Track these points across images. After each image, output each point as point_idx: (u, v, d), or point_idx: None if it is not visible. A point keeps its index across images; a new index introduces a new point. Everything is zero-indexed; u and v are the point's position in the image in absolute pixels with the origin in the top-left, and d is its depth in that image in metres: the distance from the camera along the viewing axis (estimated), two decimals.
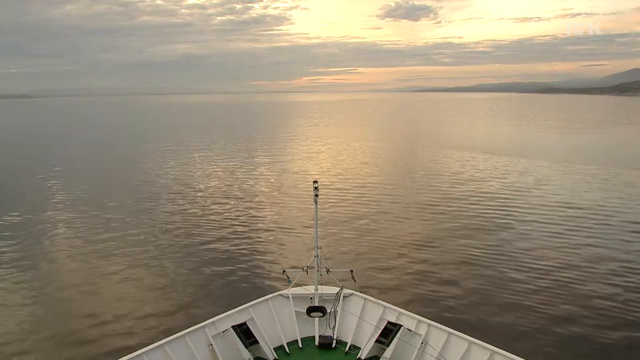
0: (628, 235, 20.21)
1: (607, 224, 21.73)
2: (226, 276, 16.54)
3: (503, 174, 34.90)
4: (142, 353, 8.16)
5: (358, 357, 8.94)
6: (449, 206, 25.53)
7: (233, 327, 9.18)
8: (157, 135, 72.77)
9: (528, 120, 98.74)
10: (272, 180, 34.31)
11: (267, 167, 40.20)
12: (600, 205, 25.01)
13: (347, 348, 9.25)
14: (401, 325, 9.08)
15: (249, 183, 33.17)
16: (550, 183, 31.50)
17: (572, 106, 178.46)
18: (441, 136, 65.27)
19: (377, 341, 9.03)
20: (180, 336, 8.79)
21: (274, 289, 13.01)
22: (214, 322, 9.30)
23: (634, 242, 19.26)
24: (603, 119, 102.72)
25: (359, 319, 9.68)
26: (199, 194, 29.83)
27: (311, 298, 10.28)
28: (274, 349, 9.14)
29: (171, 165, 41.45)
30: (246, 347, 8.94)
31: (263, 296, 10.60)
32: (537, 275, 16.03)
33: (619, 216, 23.01)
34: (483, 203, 26.09)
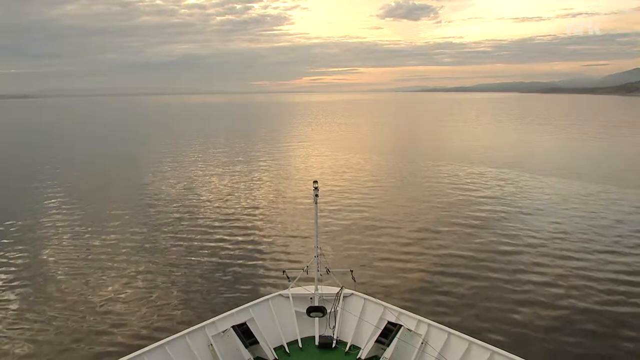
0: None
1: None
2: (226, 276, 16.54)
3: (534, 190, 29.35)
4: (142, 353, 8.17)
5: (358, 357, 8.94)
6: (451, 207, 25.53)
7: (233, 327, 9.18)
8: (156, 137, 72.75)
9: (563, 124, 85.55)
10: (272, 181, 34.31)
11: (267, 168, 40.21)
12: None
13: (347, 348, 9.25)
14: (401, 325, 9.08)
15: (249, 184, 33.19)
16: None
17: (592, 107, 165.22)
18: (461, 146, 51.74)
19: (377, 341, 9.03)
20: (180, 336, 8.80)
21: (274, 289, 13.02)
22: (214, 322, 9.31)
23: None
24: None
25: (359, 319, 9.68)
26: (198, 194, 29.86)
27: (311, 298, 10.28)
28: (274, 349, 9.14)
29: (170, 166, 41.46)
30: (246, 347, 8.94)
31: (263, 296, 10.62)
32: (541, 278, 16.01)
33: None
34: (490, 205, 26.06)
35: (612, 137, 63.55)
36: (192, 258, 18.31)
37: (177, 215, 24.65)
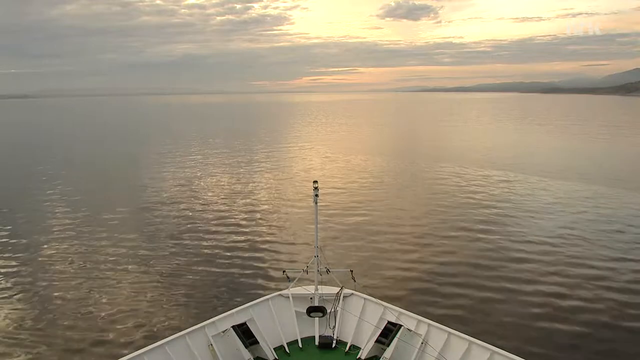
0: None
1: None
2: (226, 276, 16.54)
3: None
4: (142, 353, 8.17)
5: (358, 357, 8.94)
6: (453, 209, 25.53)
7: (233, 327, 9.19)
8: (156, 137, 72.66)
9: (564, 124, 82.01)
10: (272, 181, 34.31)
11: (267, 169, 40.21)
12: None
13: (347, 348, 9.25)
14: (401, 325, 9.08)
15: (249, 184, 33.19)
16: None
17: (593, 107, 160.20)
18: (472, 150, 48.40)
19: (377, 341, 9.03)
20: (180, 336, 8.80)
21: (274, 289, 13.01)
22: (214, 322, 9.31)
23: None
24: None
25: (359, 319, 9.67)
26: (198, 195, 29.85)
27: (311, 298, 10.28)
28: (274, 349, 9.14)
29: (170, 166, 41.41)
30: (246, 347, 8.94)
31: (263, 296, 10.62)
32: (542, 278, 16.00)
33: None
34: (494, 207, 25.94)
35: (614, 137, 62.96)
36: (192, 259, 18.29)
37: (177, 215, 24.65)
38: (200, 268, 17.30)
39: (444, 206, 25.56)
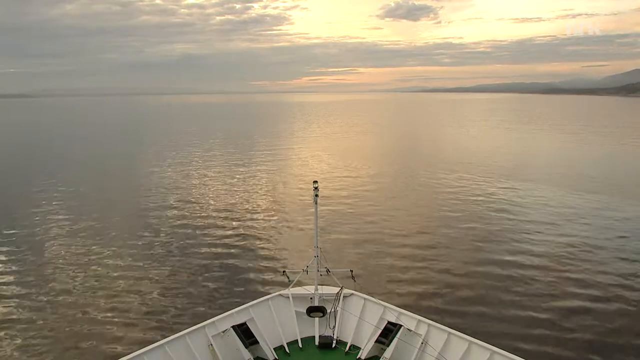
0: None
1: None
2: (226, 276, 16.55)
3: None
4: (142, 353, 8.17)
5: (358, 357, 8.94)
6: (451, 206, 25.51)
7: (233, 327, 9.18)
8: (155, 137, 72.60)
9: (581, 129, 75.13)
10: (273, 182, 34.30)
11: (267, 169, 40.19)
12: None
13: (347, 348, 9.24)
14: (401, 325, 9.08)
15: (249, 184, 33.21)
16: None
17: (600, 109, 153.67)
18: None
19: (377, 341, 9.03)
20: (180, 336, 8.80)
21: (274, 289, 13.01)
22: (214, 322, 9.31)
23: None
24: None
25: (359, 319, 9.67)
26: (199, 195, 29.85)
27: (311, 298, 10.28)
28: (274, 349, 9.14)
29: (169, 167, 41.41)
30: (246, 347, 8.94)
31: (263, 296, 10.62)
32: (542, 278, 16.00)
33: None
34: (490, 204, 25.98)
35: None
36: (192, 259, 18.30)
37: (177, 216, 24.64)
38: (200, 268, 17.30)
39: (450, 210, 25.35)
